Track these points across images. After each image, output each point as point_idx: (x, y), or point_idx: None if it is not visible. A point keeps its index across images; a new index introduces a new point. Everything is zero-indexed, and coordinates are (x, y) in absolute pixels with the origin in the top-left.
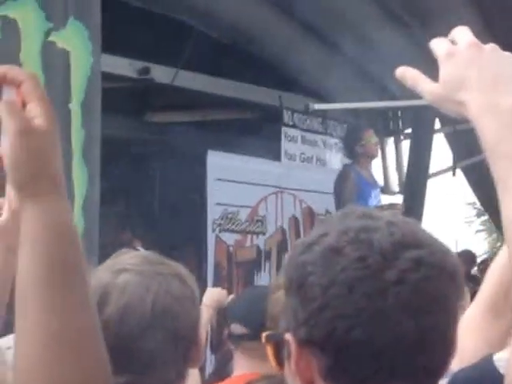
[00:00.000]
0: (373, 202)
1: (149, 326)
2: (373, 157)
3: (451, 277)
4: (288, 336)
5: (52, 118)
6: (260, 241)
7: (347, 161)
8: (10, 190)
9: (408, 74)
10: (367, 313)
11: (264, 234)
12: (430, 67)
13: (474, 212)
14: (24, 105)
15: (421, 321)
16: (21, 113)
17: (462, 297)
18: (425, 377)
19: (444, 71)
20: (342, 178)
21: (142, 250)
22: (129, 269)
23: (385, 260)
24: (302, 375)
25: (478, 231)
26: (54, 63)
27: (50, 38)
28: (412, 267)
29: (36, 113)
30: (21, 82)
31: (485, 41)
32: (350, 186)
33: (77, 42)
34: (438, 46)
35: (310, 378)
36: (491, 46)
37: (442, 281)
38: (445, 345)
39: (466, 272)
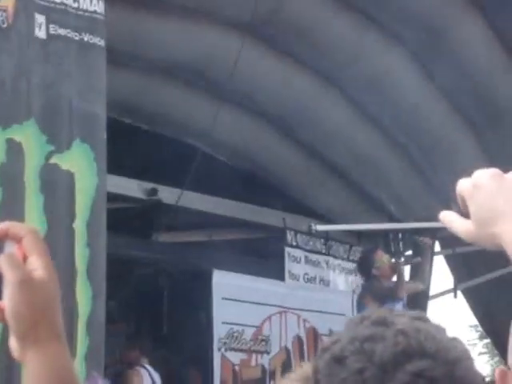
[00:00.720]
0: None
1: None
2: (389, 277)
3: None
4: None
5: (52, 269)
6: (265, 360)
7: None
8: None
9: (446, 218)
10: None
11: (268, 353)
12: (428, 189)
13: (477, 335)
14: (25, 259)
15: None
16: (21, 265)
17: None
18: None
19: (473, 207)
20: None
21: (148, 368)
22: None
23: (384, 373)
24: None
25: (480, 353)
26: (57, 184)
27: (52, 161)
28: (410, 381)
29: (36, 265)
30: (22, 236)
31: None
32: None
33: (82, 164)
34: (461, 184)
35: None
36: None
37: None
38: None
39: None
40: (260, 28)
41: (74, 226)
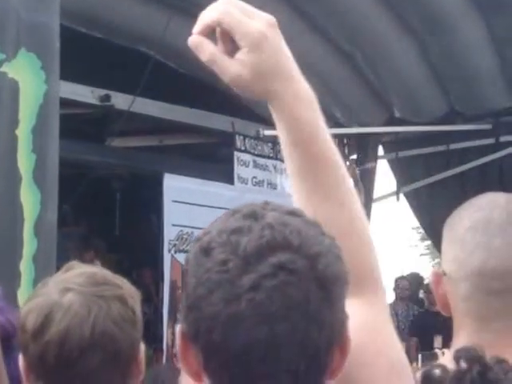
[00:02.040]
0: None
1: (88, 348)
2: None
3: (317, 282)
4: (178, 328)
5: None
6: None
7: None
8: None
9: (205, 47)
10: (223, 317)
11: None
12: (371, 96)
13: (419, 236)
14: None
15: (274, 327)
16: None
17: (335, 301)
18: (291, 380)
19: (257, 56)
20: None
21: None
22: (73, 289)
23: (246, 264)
24: (188, 366)
25: (422, 254)
26: (3, 92)
27: (2, 69)
28: (271, 272)
29: None
30: None
31: None
32: None
33: (27, 72)
34: (232, 19)
35: (195, 370)
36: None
37: (303, 287)
38: (305, 350)
39: (413, 294)
40: None
41: (17, 132)
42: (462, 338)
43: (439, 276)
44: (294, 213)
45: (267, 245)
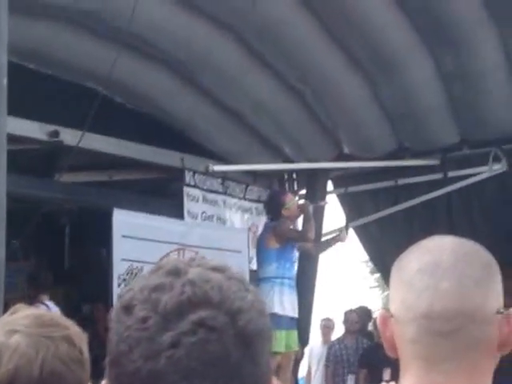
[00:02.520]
0: (295, 256)
1: None
2: (296, 218)
3: (237, 338)
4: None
5: None
6: None
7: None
8: None
9: None
10: (143, 373)
11: None
12: (321, 132)
13: (368, 269)
14: None
15: (194, 383)
16: None
17: (257, 356)
18: None
19: None
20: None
21: (38, 309)
22: (20, 330)
23: (166, 322)
24: None
25: (371, 287)
26: None
27: None
28: (190, 329)
29: None
30: None
31: None
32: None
33: None
34: None
35: None
36: None
37: (223, 343)
38: None
39: (362, 327)
40: None
41: None
42: (410, 380)
43: (386, 318)
44: (218, 268)
45: (188, 301)
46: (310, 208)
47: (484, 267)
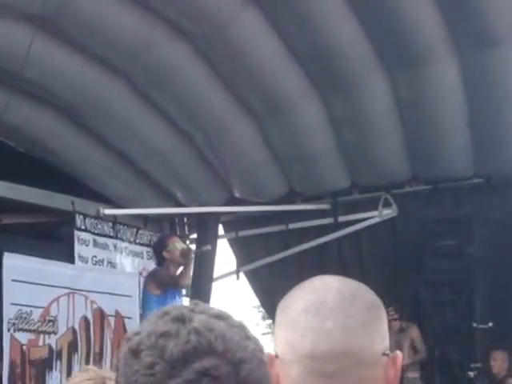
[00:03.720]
0: (177, 303)
1: None
2: (179, 262)
3: None
4: None
5: None
6: (52, 340)
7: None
8: None
9: None
10: None
11: (56, 333)
12: (212, 176)
13: (260, 315)
14: None
15: None
16: None
17: None
18: None
19: None
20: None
21: None
22: None
23: (172, 369)
24: None
25: (264, 333)
26: None
27: None
28: (195, 378)
29: None
30: None
31: None
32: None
33: None
34: None
35: None
36: None
37: None
38: None
39: None
40: (51, 20)
41: None
42: None
43: (272, 358)
44: (220, 316)
45: (193, 350)
46: (192, 253)
47: (369, 309)
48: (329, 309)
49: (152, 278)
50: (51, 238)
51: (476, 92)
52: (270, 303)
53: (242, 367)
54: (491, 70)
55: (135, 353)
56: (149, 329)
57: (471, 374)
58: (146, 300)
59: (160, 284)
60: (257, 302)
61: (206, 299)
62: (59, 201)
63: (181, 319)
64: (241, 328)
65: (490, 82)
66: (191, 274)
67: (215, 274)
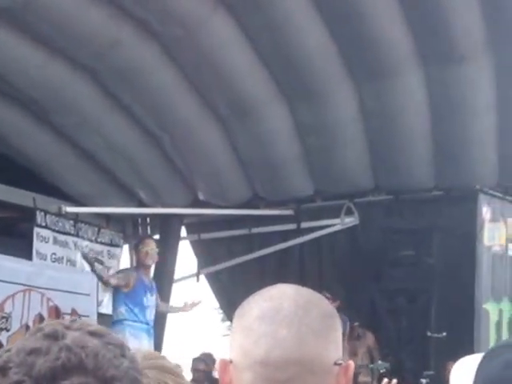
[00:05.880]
0: (148, 301)
1: None
2: (146, 264)
3: None
4: None
5: None
6: (3, 337)
7: None
8: None
9: None
10: None
11: (8, 330)
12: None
13: (220, 317)
14: None
15: None
16: None
17: None
18: None
19: None
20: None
21: None
22: None
23: None
24: None
25: (223, 336)
26: None
27: None
28: None
29: None
30: None
31: None
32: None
33: None
34: None
35: None
36: None
37: None
38: None
39: (208, 374)
40: (17, 14)
41: None
42: None
43: (226, 364)
44: (96, 333)
45: (62, 367)
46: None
47: (324, 318)
48: (283, 317)
49: (121, 277)
50: (10, 233)
51: (440, 106)
52: (229, 306)
53: (117, 381)
54: (455, 85)
55: (3, 370)
56: (19, 345)
57: (423, 381)
58: (116, 295)
59: (128, 281)
60: (216, 304)
61: (166, 300)
62: (20, 197)
63: (53, 336)
64: (117, 345)
65: (453, 97)
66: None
67: (176, 276)
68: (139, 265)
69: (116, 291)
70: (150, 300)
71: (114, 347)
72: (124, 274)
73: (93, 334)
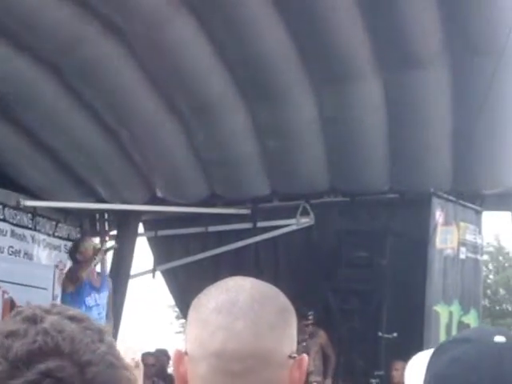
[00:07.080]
0: (92, 300)
1: None
2: (90, 261)
3: None
4: None
5: None
6: None
7: None
8: None
9: None
10: None
11: None
12: (135, 174)
13: (175, 315)
14: None
15: None
16: None
17: None
18: None
19: None
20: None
21: None
22: None
23: (14, 369)
24: None
25: (177, 332)
26: None
27: None
28: (36, 379)
29: None
30: None
31: None
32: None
33: None
34: None
35: None
36: None
37: None
38: None
39: (160, 370)
40: None
41: None
42: None
43: (181, 355)
44: (74, 318)
45: (38, 350)
46: (101, 253)
47: (280, 312)
48: (240, 309)
49: (66, 277)
50: None
51: (397, 110)
52: (184, 303)
53: (89, 369)
54: (413, 90)
55: None
56: None
57: (374, 381)
58: (63, 299)
59: (71, 281)
60: (172, 301)
61: (122, 295)
62: None
63: (32, 319)
64: (96, 330)
65: (411, 102)
66: (92, 267)
67: (132, 272)
68: (81, 264)
69: (63, 293)
70: (97, 298)
71: (92, 332)
72: (71, 274)
73: (71, 318)
